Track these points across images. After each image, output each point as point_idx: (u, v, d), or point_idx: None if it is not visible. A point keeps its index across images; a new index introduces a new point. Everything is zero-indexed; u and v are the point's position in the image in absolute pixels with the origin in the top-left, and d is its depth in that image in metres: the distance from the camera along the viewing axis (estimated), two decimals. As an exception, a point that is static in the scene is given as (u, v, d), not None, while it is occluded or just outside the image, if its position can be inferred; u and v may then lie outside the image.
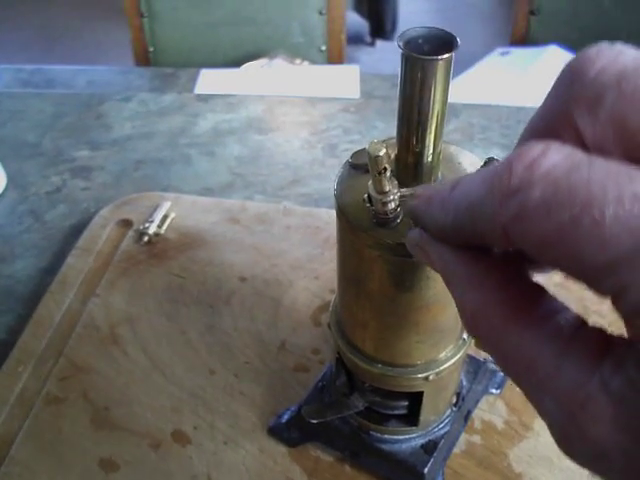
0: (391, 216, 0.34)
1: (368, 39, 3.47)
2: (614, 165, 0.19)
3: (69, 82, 1.28)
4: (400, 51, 0.31)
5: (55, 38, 3.48)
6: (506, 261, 0.25)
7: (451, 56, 0.31)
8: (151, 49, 1.64)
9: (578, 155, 0.19)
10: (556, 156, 0.19)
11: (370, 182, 0.33)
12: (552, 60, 1.43)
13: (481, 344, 0.24)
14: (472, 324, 0.24)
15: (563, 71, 0.23)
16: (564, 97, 0.22)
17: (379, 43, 3.43)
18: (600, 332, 0.22)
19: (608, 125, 0.21)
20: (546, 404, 0.22)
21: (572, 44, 1.46)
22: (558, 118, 0.23)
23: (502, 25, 2.92)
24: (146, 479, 0.53)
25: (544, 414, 0.22)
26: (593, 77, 0.21)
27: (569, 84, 0.22)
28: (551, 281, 0.68)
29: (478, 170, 0.25)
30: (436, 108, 0.33)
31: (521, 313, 0.23)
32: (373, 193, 0.33)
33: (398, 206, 0.34)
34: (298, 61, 1.52)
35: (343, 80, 1.32)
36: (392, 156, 0.36)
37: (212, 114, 1.02)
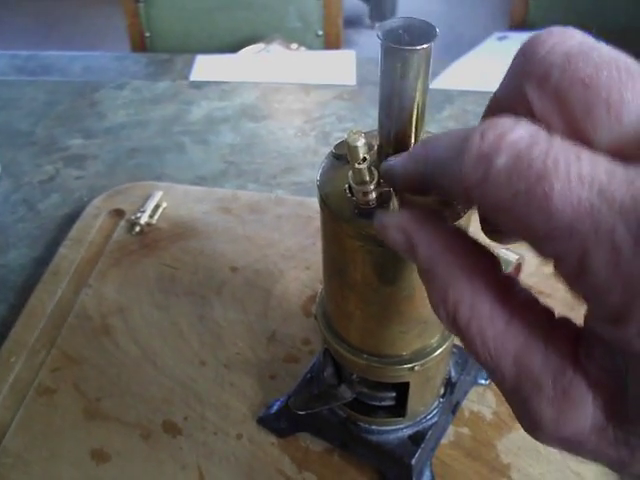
0: (372, 206, 0.34)
1: (368, 21, 3.45)
2: (567, 144, 0.20)
3: (65, 68, 1.27)
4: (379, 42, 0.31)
5: (52, 24, 3.46)
6: (484, 252, 0.26)
7: (430, 46, 0.31)
8: (147, 34, 1.63)
9: (541, 132, 0.21)
10: (523, 130, 0.21)
11: (350, 172, 0.32)
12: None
13: (461, 336, 0.25)
14: (455, 315, 0.25)
15: (518, 50, 0.25)
16: (518, 75, 0.24)
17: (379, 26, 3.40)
18: (568, 321, 0.24)
19: (553, 99, 0.22)
20: (524, 390, 0.23)
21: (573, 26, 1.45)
22: (513, 94, 0.25)
23: (501, 8, 2.90)
24: (137, 469, 0.54)
25: (519, 401, 0.23)
26: (542, 56, 0.23)
27: (522, 63, 0.24)
28: (542, 271, 0.68)
29: (449, 131, 0.25)
30: (417, 98, 0.33)
31: (507, 303, 0.24)
32: (353, 184, 0.32)
33: (379, 196, 0.33)
34: (295, 46, 1.51)
35: (339, 65, 1.31)
36: (375, 147, 0.36)
37: (206, 102, 1.01)
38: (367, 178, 0.32)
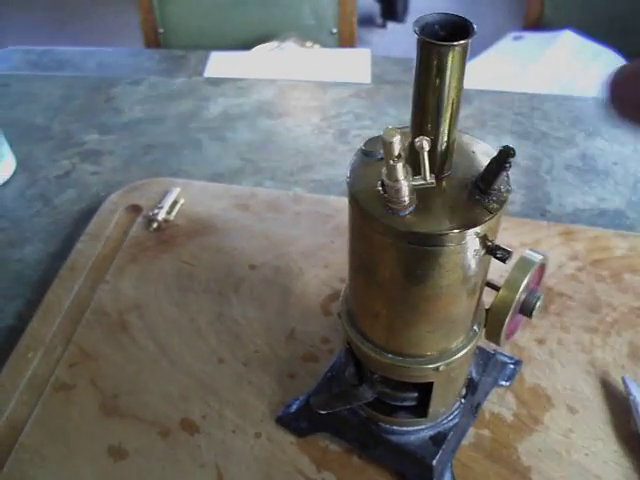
0: (404, 204, 0.33)
1: (379, 21, 3.44)
2: None
3: (79, 64, 1.27)
4: (416, 37, 0.30)
5: (65, 20, 3.46)
6: None
7: (467, 42, 0.30)
8: (161, 31, 1.63)
9: None
10: None
11: (384, 169, 0.32)
12: (566, 45, 1.40)
13: None
14: None
15: None
16: None
17: (390, 25, 3.39)
18: None
19: None
20: None
21: (586, 28, 1.44)
22: None
23: (516, 8, 2.89)
24: (154, 467, 0.53)
25: None
26: None
27: None
28: (562, 273, 0.67)
29: None
30: (451, 95, 0.32)
31: None
32: (386, 180, 0.32)
33: (411, 194, 0.33)
34: (309, 44, 1.51)
35: (354, 64, 1.30)
36: (406, 144, 0.35)
37: (223, 98, 1.01)
38: (401, 175, 0.31)
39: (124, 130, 0.95)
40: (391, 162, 0.31)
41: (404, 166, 0.31)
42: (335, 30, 1.62)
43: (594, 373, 0.58)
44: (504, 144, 0.33)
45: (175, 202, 0.76)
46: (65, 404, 0.58)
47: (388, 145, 0.30)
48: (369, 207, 0.35)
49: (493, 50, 1.47)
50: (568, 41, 1.41)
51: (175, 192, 0.77)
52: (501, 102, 0.97)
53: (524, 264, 0.45)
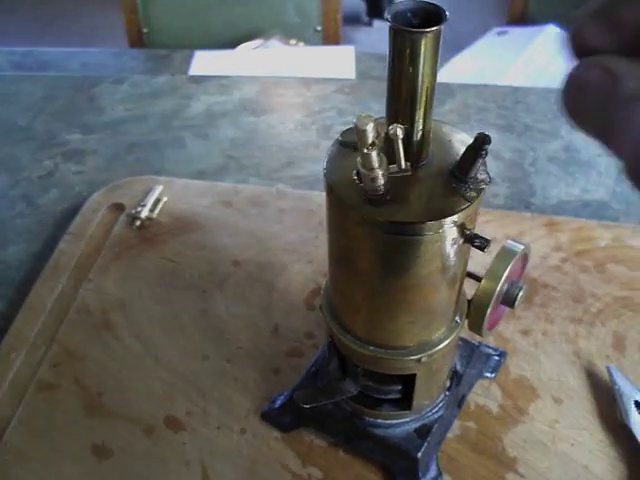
0: (381, 193, 0.33)
1: (365, 19, 3.44)
2: None
3: (62, 65, 1.26)
4: (388, 25, 0.30)
5: (49, 21, 3.44)
6: None
7: (440, 29, 0.30)
8: (145, 30, 1.62)
9: None
10: None
11: (359, 158, 0.32)
12: (550, 40, 1.41)
13: None
14: None
15: None
16: None
17: (377, 23, 3.39)
18: None
19: None
20: None
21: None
22: None
23: (501, 4, 2.89)
24: (139, 465, 0.53)
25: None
26: None
27: None
28: (546, 264, 0.67)
29: None
30: (425, 82, 0.32)
31: None
32: (362, 169, 0.32)
33: (387, 183, 0.33)
34: (293, 42, 1.51)
35: (338, 61, 1.30)
36: (382, 134, 0.35)
37: (205, 96, 1.01)
38: (376, 164, 0.31)
39: (107, 129, 0.94)
40: (365, 150, 0.30)
41: (379, 154, 0.31)
42: (320, 28, 1.62)
43: (579, 363, 0.58)
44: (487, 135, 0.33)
45: (158, 200, 0.75)
46: (49, 404, 0.57)
47: (361, 133, 0.30)
48: (346, 197, 0.35)
49: (477, 45, 1.47)
50: (551, 35, 1.41)
51: (158, 190, 0.76)
52: (485, 96, 0.97)
53: (505, 254, 0.45)
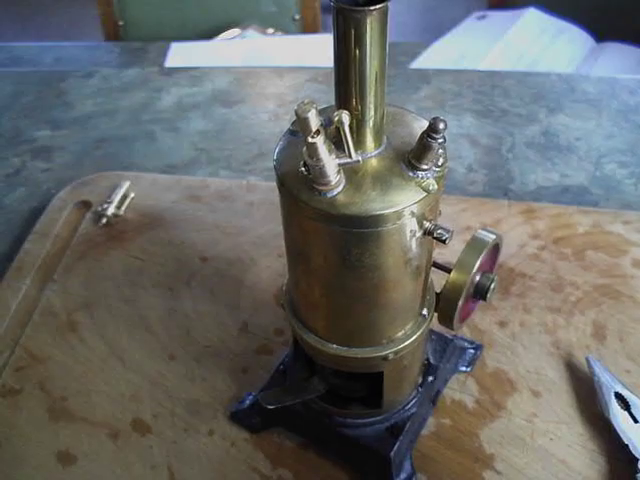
0: (330, 185, 0.31)
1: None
2: None
3: (36, 60, 1.23)
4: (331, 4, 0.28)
5: (27, 15, 3.39)
6: None
7: (386, 6, 0.28)
8: (121, 23, 1.59)
9: None
10: None
11: (304, 148, 0.30)
12: (530, 23, 1.39)
13: None
14: None
15: None
16: None
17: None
18: None
19: None
20: None
21: (551, 7, 1.42)
22: None
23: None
24: (104, 471, 0.51)
25: None
26: None
27: None
28: (524, 253, 0.66)
29: None
30: (374, 66, 0.30)
31: None
32: (308, 159, 0.30)
33: (338, 173, 0.31)
34: (271, 31, 1.48)
35: (317, 50, 1.28)
36: (334, 121, 0.33)
37: (176, 88, 0.98)
38: (322, 153, 0.29)
39: (75, 125, 0.92)
40: (309, 139, 0.28)
41: (325, 143, 0.29)
42: (298, 16, 1.59)
43: (558, 355, 0.57)
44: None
45: (125, 196, 0.73)
46: (11, 410, 0.55)
47: (303, 121, 0.28)
48: (296, 190, 0.33)
49: (457, 30, 1.45)
50: (532, 19, 1.39)
51: (125, 186, 0.74)
52: (460, 81, 0.95)
53: (476, 244, 0.43)
